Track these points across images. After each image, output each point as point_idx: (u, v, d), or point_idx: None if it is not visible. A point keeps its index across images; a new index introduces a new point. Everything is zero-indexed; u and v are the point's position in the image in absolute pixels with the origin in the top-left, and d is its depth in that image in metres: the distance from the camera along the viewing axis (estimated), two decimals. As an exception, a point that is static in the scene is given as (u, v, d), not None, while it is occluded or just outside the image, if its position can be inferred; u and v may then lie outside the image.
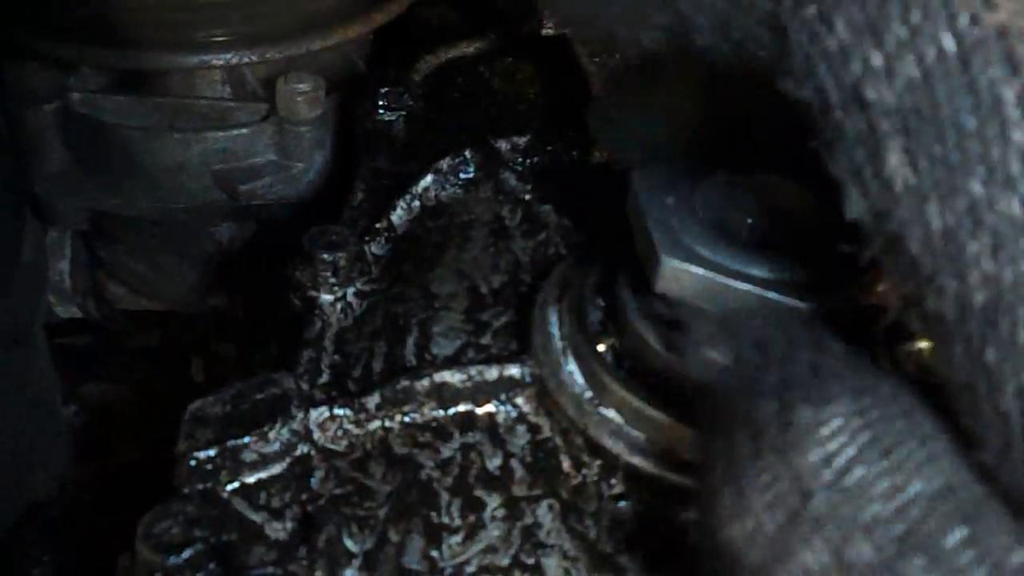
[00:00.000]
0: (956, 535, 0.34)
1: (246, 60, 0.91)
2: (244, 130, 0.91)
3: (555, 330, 0.60)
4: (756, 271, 0.53)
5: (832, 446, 0.36)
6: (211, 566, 0.50)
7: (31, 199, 0.91)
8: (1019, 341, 0.34)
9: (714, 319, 0.48)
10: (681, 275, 0.53)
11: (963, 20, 0.34)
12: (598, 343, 0.58)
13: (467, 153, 0.78)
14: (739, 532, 0.37)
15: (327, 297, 0.67)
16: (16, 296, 0.82)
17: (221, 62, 0.90)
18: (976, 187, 0.34)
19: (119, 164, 0.92)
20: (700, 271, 0.52)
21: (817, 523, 0.35)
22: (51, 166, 0.93)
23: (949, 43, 0.34)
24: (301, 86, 0.89)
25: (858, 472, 0.35)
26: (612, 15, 0.48)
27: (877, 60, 0.35)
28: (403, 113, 0.86)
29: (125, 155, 0.92)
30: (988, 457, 0.36)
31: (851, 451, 0.36)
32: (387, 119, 0.86)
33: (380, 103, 0.87)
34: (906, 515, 0.34)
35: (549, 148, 0.80)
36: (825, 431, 0.36)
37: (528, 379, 0.59)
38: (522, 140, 0.80)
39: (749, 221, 0.61)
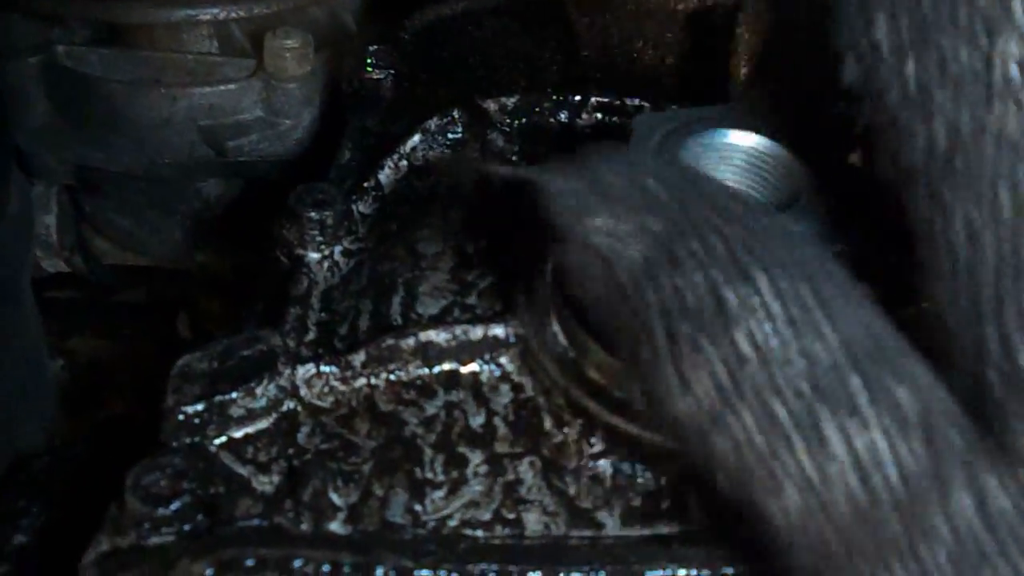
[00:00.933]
0: (854, 381, 0.39)
1: (233, 15, 0.90)
2: (231, 86, 0.91)
3: (539, 291, 0.61)
4: None
5: (753, 322, 0.41)
6: (198, 518, 0.51)
7: (16, 153, 0.91)
8: (972, 178, 0.39)
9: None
10: None
11: None
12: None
13: (455, 113, 0.78)
14: (683, 407, 0.42)
15: (314, 255, 0.67)
16: (3, 249, 0.82)
17: (208, 16, 0.89)
18: (944, 42, 0.40)
19: (104, 118, 0.92)
20: None
21: (743, 392, 0.40)
22: (35, 119, 0.93)
23: None
24: (289, 42, 0.89)
25: (774, 341, 0.41)
26: None
27: None
28: (391, 72, 0.86)
29: (110, 109, 0.91)
30: (938, 294, 0.41)
31: (768, 325, 0.41)
32: (375, 77, 0.86)
33: (369, 61, 0.86)
34: (812, 373, 0.40)
35: (537, 109, 0.80)
36: (748, 309, 0.41)
37: (512, 339, 0.60)
38: (510, 101, 0.80)
39: (729, 182, 0.62)
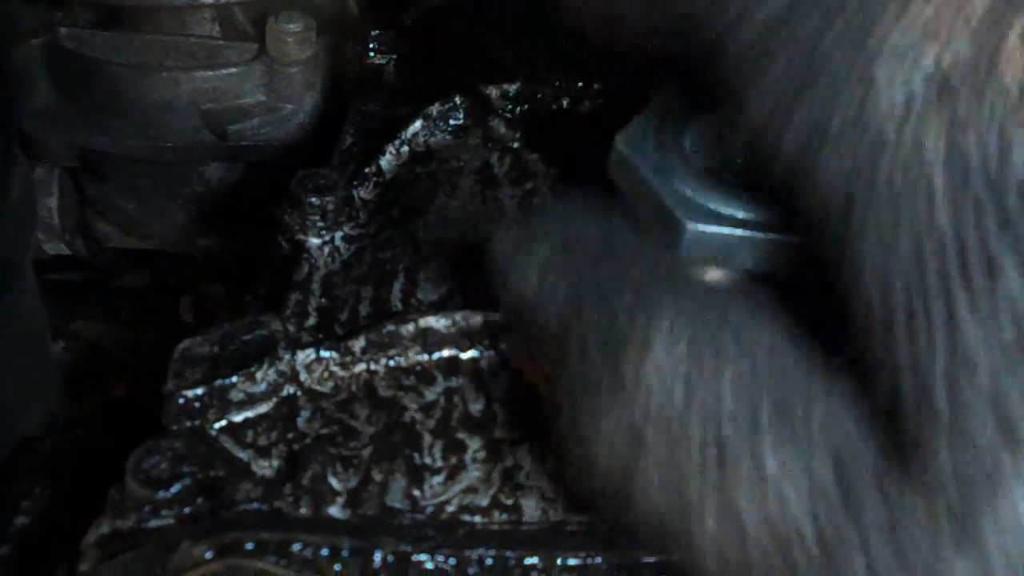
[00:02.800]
0: (758, 437, 0.40)
1: (236, -2, 0.90)
2: (233, 69, 0.91)
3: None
4: (771, 217, 0.52)
5: (653, 381, 0.41)
6: (199, 501, 0.52)
7: (19, 135, 0.91)
8: (869, 232, 0.39)
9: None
10: (704, 237, 0.52)
11: None
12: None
13: (457, 99, 0.78)
14: (600, 454, 0.43)
15: (315, 241, 0.67)
16: (6, 232, 0.82)
17: (211, 0, 0.89)
18: (821, 100, 0.40)
19: (107, 101, 0.91)
20: (725, 230, 0.52)
21: (648, 448, 0.41)
22: (38, 102, 0.93)
23: None
24: (291, 26, 0.89)
25: (676, 401, 0.41)
26: None
27: None
28: (394, 57, 0.86)
29: (113, 92, 0.91)
30: (859, 337, 0.41)
31: (670, 384, 0.41)
32: (378, 62, 0.86)
33: (371, 46, 0.86)
34: (717, 428, 0.40)
35: (539, 96, 0.80)
36: (648, 368, 0.42)
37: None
38: (512, 87, 0.80)
39: (740, 162, 0.61)
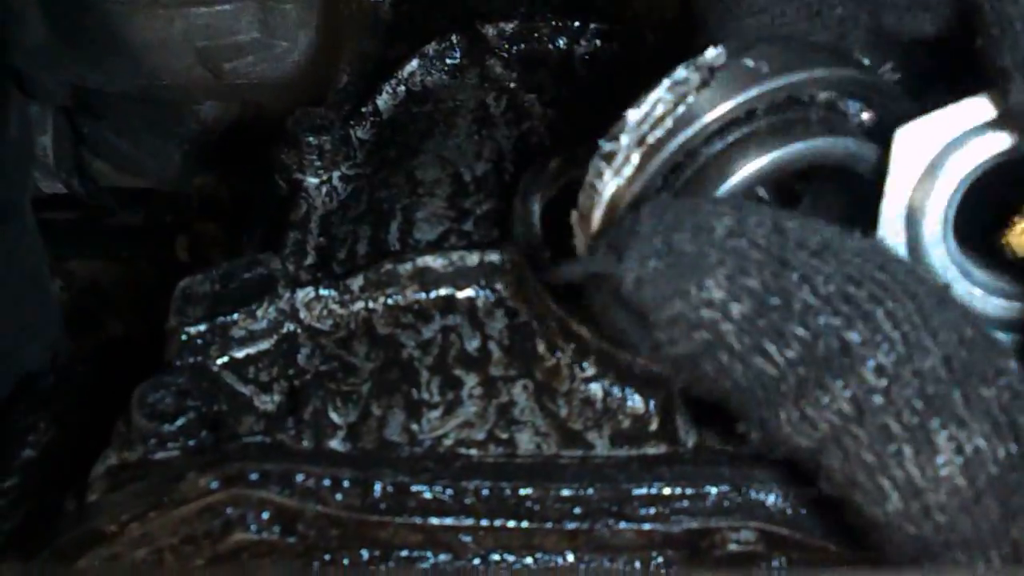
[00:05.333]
0: (955, 393, 0.43)
1: (229, -66, 0.89)
2: (227, 6, 0.90)
3: (535, 219, 0.62)
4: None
5: (880, 355, 0.44)
6: (203, 434, 0.53)
7: (14, 74, 0.90)
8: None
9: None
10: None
11: None
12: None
13: (454, 38, 0.78)
14: (803, 439, 0.45)
15: (312, 180, 0.68)
16: (3, 171, 0.82)
17: (203, -65, 0.88)
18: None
19: (101, 38, 0.91)
20: None
21: (862, 417, 0.44)
22: (32, 39, 0.92)
23: None
24: (285, -38, 0.88)
25: (896, 368, 0.43)
26: None
27: None
28: (390, -6, 0.85)
29: (107, 29, 0.90)
30: None
31: (893, 355, 0.44)
32: (374, 0, 0.85)
33: (366, -17, 0.85)
34: (923, 389, 0.43)
35: (536, 35, 0.80)
36: (873, 345, 0.44)
37: (508, 265, 0.61)
38: (509, 26, 0.79)
39: None
